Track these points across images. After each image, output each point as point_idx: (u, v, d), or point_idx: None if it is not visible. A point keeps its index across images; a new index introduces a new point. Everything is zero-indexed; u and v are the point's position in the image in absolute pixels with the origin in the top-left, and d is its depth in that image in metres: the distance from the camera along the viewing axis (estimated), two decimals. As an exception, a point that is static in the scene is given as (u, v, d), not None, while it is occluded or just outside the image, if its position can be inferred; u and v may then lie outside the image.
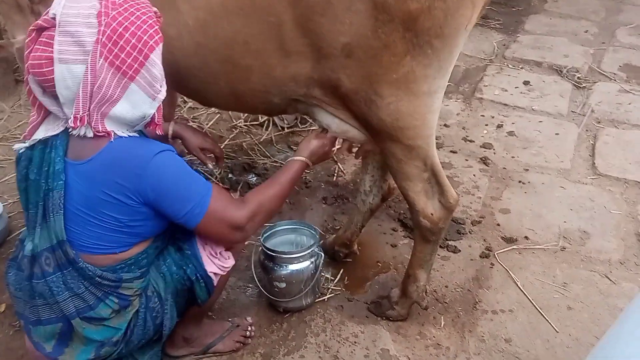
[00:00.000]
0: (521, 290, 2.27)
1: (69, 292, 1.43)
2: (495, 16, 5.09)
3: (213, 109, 3.51)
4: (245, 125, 3.39)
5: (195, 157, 1.99)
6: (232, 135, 3.30)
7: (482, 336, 2.07)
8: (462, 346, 2.03)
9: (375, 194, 2.23)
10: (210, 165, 2.02)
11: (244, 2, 1.60)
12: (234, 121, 3.42)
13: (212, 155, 2.01)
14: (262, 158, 3.10)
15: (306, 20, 1.56)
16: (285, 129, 3.34)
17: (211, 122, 3.40)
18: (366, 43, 1.53)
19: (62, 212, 1.38)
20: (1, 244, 2.45)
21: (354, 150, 2.12)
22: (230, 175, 2.92)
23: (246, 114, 3.44)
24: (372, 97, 1.63)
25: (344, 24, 1.52)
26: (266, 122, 3.37)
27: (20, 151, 1.46)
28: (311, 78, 1.69)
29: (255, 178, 2.93)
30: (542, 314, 2.16)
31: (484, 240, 2.55)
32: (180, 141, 1.95)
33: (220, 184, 2.83)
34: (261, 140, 3.26)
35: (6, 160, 3.01)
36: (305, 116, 2.21)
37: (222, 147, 3.15)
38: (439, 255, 2.44)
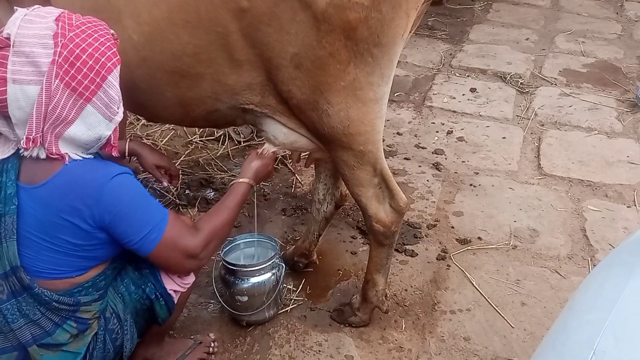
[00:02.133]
0: (477, 290, 2.35)
1: (25, 319, 1.40)
2: (441, 27, 5.27)
3: (167, 125, 3.49)
4: (201, 140, 3.38)
5: (151, 175, 1.98)
6: (188, 151, 3.28)
7: (442, 336, 2.13)
8: (423, 347, 2.08)
9: (329, 202, 2.27)
10: (165, 183, 2.01)
11: (190, 14, 1.62)
12: (189, 137, 3.40)
13: (167, 173, 2.01)
14: (220, 173, 3.09)
15: (254, 30, 1.60)
16: (242, 142, 3.35)
17: (166, 139, 3.38)
18: (313, 53, 1.58)
19: (14, 237, 1.35)
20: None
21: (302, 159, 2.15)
22: (187, 191, 2.90)
23: (201, 130, 3.43)
24: (323, 106, 1.68)
25: (290, 34, 1.57)
26: (222, 136, 3.37)
27: (-32, 176, 1.42)
28: (267, 87, 1.72)
29: (213, 193, 2.92)
30: (497, 311, 2.24)
31: (440, 242, 2.63)
32: (135, 159, 1.94)
33: (177, 201, 2.81)
34: (218, 154, 3.25)
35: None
36: (252, 126, 2.24)
37: (178, 163, 3.13)
38: (397, 259, 2.50)
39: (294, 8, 1.54)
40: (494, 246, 2.61)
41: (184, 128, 3.47)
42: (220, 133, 3.39)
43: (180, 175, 2.59)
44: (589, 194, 2.99)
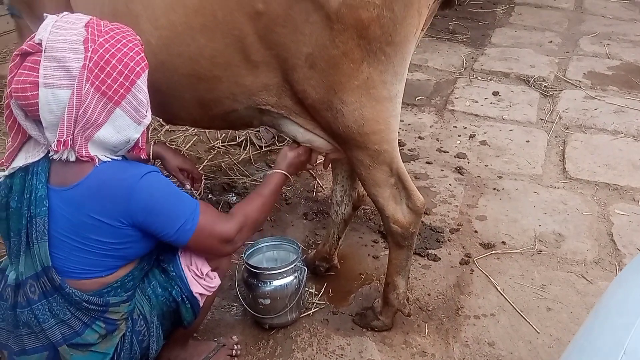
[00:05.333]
0: (501, 294, 2.32)
1: (55, 319, 1.43)
2: (462, 31, 5.24)
3: (190, 131, 3.54)
4: (223, 145, 3.41)
5: (174, 178, 2.01)
6: (211, 156, 3.32)
7: (466, 341, 2.11)
8: (447, 352, 2.06)
9: (346, 204, 2.28)
10: (188, 186, 2.03)
11: (207, 18, 1.65)
12: (212, 142, 3.44)
13: (190, 176, 2.04)
14: (242, 177, 3.12)
15: (269, 32, 1.62)
16: (263, 147, 3.37)
17: (189, 145, 3.42)
18: (326, 52, 1.60)
19: (46, 238, 1.38)
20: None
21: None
22: (210, 196, 2.94)
23: (223, 135, 3.47)
24: (337, 106, 1.69)
25: (304, 35, 1.59)
26: (244, 141, 3.40)
27: (0, 180, 1.46)
28: (283, 87, 1.74)
29: (235, 197, 2.95)
30: (522, 316, 2.21)
31: (463, 247, 2.60)
32: (159, 162, 1.97)
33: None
34: (240, 159, 3.28)
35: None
36: (272, 129, 2.25)
37: (201, 168, 3.17)
38: (419, 263, 2.48)
39: (307, 9, 1.56)
40: (518, 251, 2.58)
41: (207, 134, 3.51)
42: (242, 138, 3.43)
43: (203, 179, 2.62)
44: (615, 197, 2.94)
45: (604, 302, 1.13)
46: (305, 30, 1.59)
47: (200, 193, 2.91)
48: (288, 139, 1.94)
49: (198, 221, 1.50)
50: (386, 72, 1.67)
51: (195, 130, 3.55)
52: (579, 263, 2.51)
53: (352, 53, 1.60)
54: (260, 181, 3.02)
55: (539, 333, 2.14)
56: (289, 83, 1.72)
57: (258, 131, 3.44)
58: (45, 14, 1.40)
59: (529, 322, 2.18)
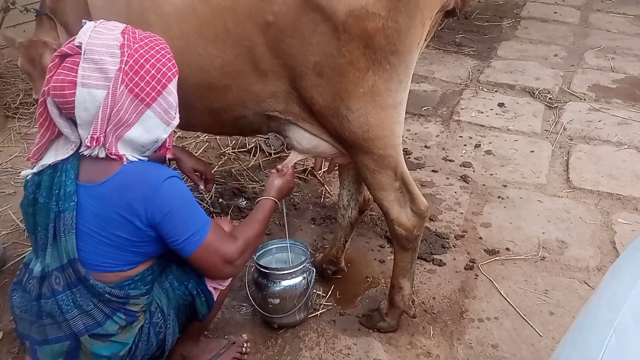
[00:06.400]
0: (505, 299, 2.37)
1: (78, 309, 1.49)
2: (468, 43, 5.33)
3: (201, 137, 3.63)
4: (233, 152, 3.49)
5: (188, 178, 2.09)
6: (221, 162, 3.40)
7: (470, 343, 2.16)
8: (451, 353, 2.11)
9: (353, 207, 2.35)
10: (201, 186, 2.11)
11: (218, 29, 1.72)
12: (222, 149, 3.52)
13: (203, 178, 2.11)
14: (251, 183, 3.19)
15: (278, 42, 1.70)
16: (272, 154, 3.45)
17: (200, 151, 3.50)
18: (333, 61, 1.68)
19: (74, 231, 1.45)
20: (-3, 274, 2.49)
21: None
22: (220, 200, 3.01)
23: (233, 142, 3.55)
24: (343, 112, 1.76)
25: (312, 44, 1.67)
26: (253, 148, 3.48)
27: (28, 177, 1.53)
28: (290, 94, 1.82)
29: (245, 202, 3.02)
30: (526, 320, 2.26)
31: (468, 253, 2.66)
32: (174, 164, 2.05)
33: (211, 209, 2.92)
34: (249, 165, 3.36)
35: (-1, 193, 3.06)
36: (280, 136, 2.32)
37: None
38: (425, 268, 2.54)
39: (315, 20, 1.64)
40: (522, 257, 2.63)
41: (217, 140, 3.60)
42: (252, 145, 3.51)
43: (215, 182, 2.69)
44: (618, 207, 2.99)
45: (598, 289, 1.19)
46: (313, 40, 1.67)
47: (211, 197, 2.99)
48: (291, 147, 2.00)
49: (206, 236, 1.55)
50: (391, 81, 1.74)
51: (206, 137, 3.64)
52: (581, 270, 2.55)
53: (358, 62, 1.68)
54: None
55: (541, 336, 2.19)
56: (296, 90, 1.80)
57: (267, 138, 3.53)
58: (84, 20, 1.50)
59: (532, 326, 2.23)
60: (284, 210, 2.24)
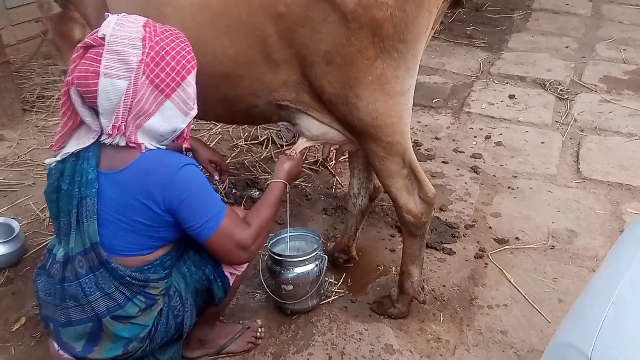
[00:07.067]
0: (514, 286, 2.41)
1: (100, 292, 1.55)
2: (480, 36, 5.33)
3: (214, 130, 3.68)
4: (245, 144, 3.55)
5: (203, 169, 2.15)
6: (234, 153, 3.46)
7: (480, 329, 2.20)
8: (460, 339, 2.16)
9: (363, 195, 2.40)
10: (216, 177, 2.16)
11: (231, 20, 1.77)
12: (235, 141, 3.58)
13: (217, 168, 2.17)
14: (263, 174, 3.24)
15: (290, 32, 1.75)
16: (284, 146, 3.50)
17: (213, 143, 3.56)
18: (343, 50, 1.72)
19: (95, 217, 1.51)
20: (18, 262, 2.56)
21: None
22: (234, 191, 3.07)
23: (246, 134, 3.60)
24: (352, 100, 1.80)
25: (322, 34, 1.72)
26: (265, 140, 3.54)
27: (52, 165, 1.60)
28: (301, 83, 1.86)
29: (257, 192, 3.07)
30: (535, 307, 2.29)
31: (477, 242, 2.69)
32: (190, 154, 2.10)
33: (225, 199, 2.97)
34: (261, 157, 3.41)
35: (18, 184, 3.14)
36: (292, 128, 2.36)
37: (225, 164, 3.30)
38: (435, 257, 2.58)
39: (325, 10, 1.68)
40: (531, 246, 2.66)
41: (230, 132, 3.65)
42: (264, 137, 3.56)
43: (229, 173, 2.75)
44: (628, 197, 3.01)
45: (596, 275, 1.23)
46: (323, 30, 1.71)
47: (225, 188, 3.04)
48: (296, 131, 2.05)
49: (222, 221, 1.60)
50: (398, 68, 1.78)
51: (219, 129, 3.70)
52: (590, 258, 2.58)
53: (367, 50, 1.72)
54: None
55: (550, 323, 2.22)
56: (307, 79, 1.84)
57: (279, 130, 3.58)
58: (106, 13, 1.55)
59: (540, 313, 2.27)
60: (287, 199, 2.27)
